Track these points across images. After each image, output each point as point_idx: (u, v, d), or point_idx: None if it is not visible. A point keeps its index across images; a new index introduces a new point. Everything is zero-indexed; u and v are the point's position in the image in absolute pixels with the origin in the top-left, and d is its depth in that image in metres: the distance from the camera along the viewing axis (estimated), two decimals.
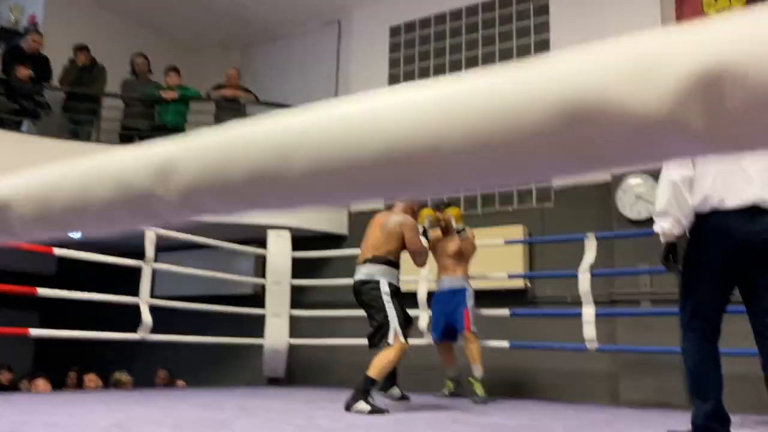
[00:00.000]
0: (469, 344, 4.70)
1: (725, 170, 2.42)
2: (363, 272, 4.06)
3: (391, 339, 3.85)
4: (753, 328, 2.48)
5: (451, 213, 4.88)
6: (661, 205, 2.53)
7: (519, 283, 5.71)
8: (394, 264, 4.09)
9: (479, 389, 4.59)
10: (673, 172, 2.49)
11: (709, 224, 2.43)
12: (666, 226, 2.51)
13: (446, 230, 4.89)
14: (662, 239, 2.59)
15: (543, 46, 6.32)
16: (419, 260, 4.17)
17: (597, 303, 4.92)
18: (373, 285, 4.00)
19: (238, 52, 8.46)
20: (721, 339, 2.51)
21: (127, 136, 6.92)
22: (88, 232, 0.51)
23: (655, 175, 5.32)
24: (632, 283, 5.23)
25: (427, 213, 4.80)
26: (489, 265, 5.50)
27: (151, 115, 7.02)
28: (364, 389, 3.67)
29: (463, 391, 4.86)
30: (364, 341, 5.96)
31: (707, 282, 2.45)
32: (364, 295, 4.02)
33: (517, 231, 5.77)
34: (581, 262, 4.83)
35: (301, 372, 6.66)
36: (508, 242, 5.39)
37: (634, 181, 5.38)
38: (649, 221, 5.25)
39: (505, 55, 6.50)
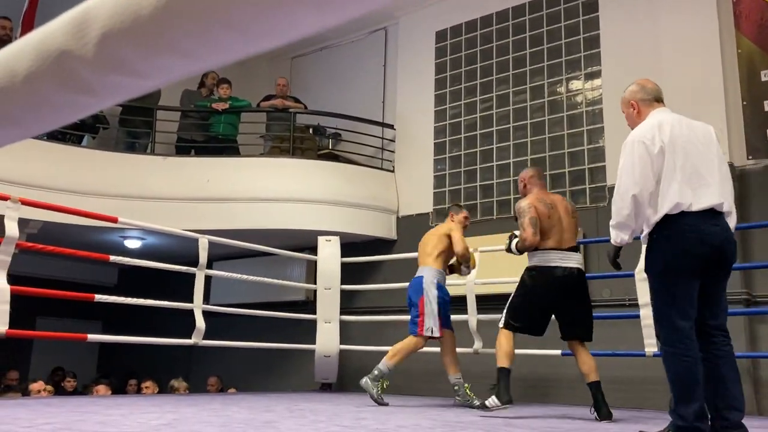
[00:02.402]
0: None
1: (688, 179, 2.64)
2: (576, 260, 3.88)
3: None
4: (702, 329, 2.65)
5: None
6: (621, 218, 2.72)
7: None
8: None
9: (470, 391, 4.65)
10: (634, 186, 2.65)
11: (680, 224, 2.62)
12: (625, 238, 2.77)
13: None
14: (614, 244, 2.89)
15: (593, 43, 6.17)
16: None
17: None
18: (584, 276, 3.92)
19: (288, 62, 8.59)
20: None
21: (183, 147, 7.11)
22: (21, 116, 0.48)
23: None
24: None
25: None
26: None
27: (206, 127, 7.19)
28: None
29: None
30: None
31: (687, 281, 2.60)
32: (583, 285, 3.90)
33: None
34: (638, 263, 4.66)
35: (352, 378, 6.65)
36: None
37: None
38: None
39: (554, 55, 6.37)
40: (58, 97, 0.45)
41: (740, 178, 5.18)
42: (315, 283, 6.32)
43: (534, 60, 6.49)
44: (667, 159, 2.66)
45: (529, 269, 3.88)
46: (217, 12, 0.36)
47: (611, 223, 2.77)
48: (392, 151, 7.31)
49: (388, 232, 6.94)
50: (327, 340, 6.02)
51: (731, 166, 5.14)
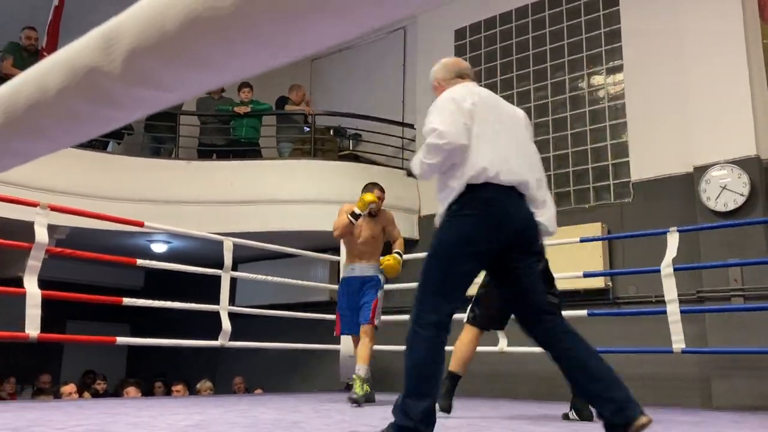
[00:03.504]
0: (367, 340, 4.47)
1: (497, 147, 2.37)
2: None
3: None
4: (519, 317, 2.40)
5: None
6: (437, 159, 2.35)
7: (598, 283, 5.51)
8: None
9: (359, 388, 4.28)
10: (455, 136, 2.34)
11: (484, 198, 2.31)
12: (427, 177, 2.42)
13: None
14: (413, 171, 2.46)
15: (614, 37, 6.11)
16: None
17: (684, 301, 4.68)
18: None
19: (307, 64, 8.64)
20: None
21: (205, 151, 7.19)
22: (52, 129, 0.50)
23: (739, 163, 5.03)
24: (721, 278, 4.94)
25: (371, 199, 4.49)
26: (566, 265, 5.33)
27: (227, 131, 7.26)
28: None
29: (370, 395, 4.49)
30: None
31: (473, 264, 2.32)
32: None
33: (594, 228, 5.58)
34: (664, 258, 4.60)
35: (377, 377, 6.66)
36: (584, 240, 5.21)
37: (719, 172, 5.10)
38: (736, 212, 4.97)
39: (575, 50, 6.33)
40: (87, 111, 0.47)
41: (767, 171, 5.10)
42: (338, 284, 6.34)
43: (554, 56, 6.45)
44: (478, 123, 2.40)
45: None
46: (240, 27, 0.37)
47: (426, 159, 2.38)
48: (413, 151, 7.31)
49: (410, 232, 6.94)
50: (351, 340, 6.03)
51: (758, 159, 5.06)
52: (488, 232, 2.28)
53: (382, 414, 3.68)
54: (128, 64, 0.42)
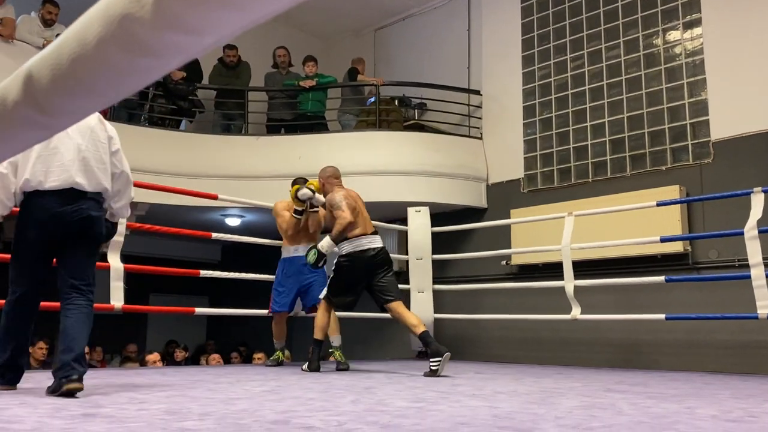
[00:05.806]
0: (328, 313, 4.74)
1: (45, 156, 2.81)
2: (380, 241, 4.51)
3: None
4: (60, 293, 2.84)
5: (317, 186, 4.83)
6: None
7: (677, 247, 5.30)
8: None
9: (341, 356, 4.80)
10: None
11: (31, 202, 2.83)
12: None
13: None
14: None
15: (692, 8, 5.75)
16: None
17: None
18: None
19: (371, 35, 8.60)
20: None
21: (273, 126, 7.31)
22: (95, 83, 0.52)
23: None
24: None
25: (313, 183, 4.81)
26: (643, 230, 5.17)
27: (294, 105, 7.35)
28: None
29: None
30: (508, 316, 5.88)
31: (29, 252, 2.87)
32: (386, 260, 4.47)
33: (672, 191, 5.36)
34: (748, 221, 4.38)
35: (448, 345, 6.67)
36: (661, 204, 5.01)
37: None
38: None
39: (649, 5, 6.01)
40: (125, 62, 0.48)
41: None
42: (407, 254, 6.37)
43: (627, 12, 6.15)
44: None
45: (344, 257, 4.37)
46: None
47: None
48: (479, 118, 7.19)
49: (478, 201, 6.87)
50: (421, 309, 6.05)
51: None
52: (34, 226, 2.84)
53: (452, 381, 3.69)
54: (156, 8, 0.43)
